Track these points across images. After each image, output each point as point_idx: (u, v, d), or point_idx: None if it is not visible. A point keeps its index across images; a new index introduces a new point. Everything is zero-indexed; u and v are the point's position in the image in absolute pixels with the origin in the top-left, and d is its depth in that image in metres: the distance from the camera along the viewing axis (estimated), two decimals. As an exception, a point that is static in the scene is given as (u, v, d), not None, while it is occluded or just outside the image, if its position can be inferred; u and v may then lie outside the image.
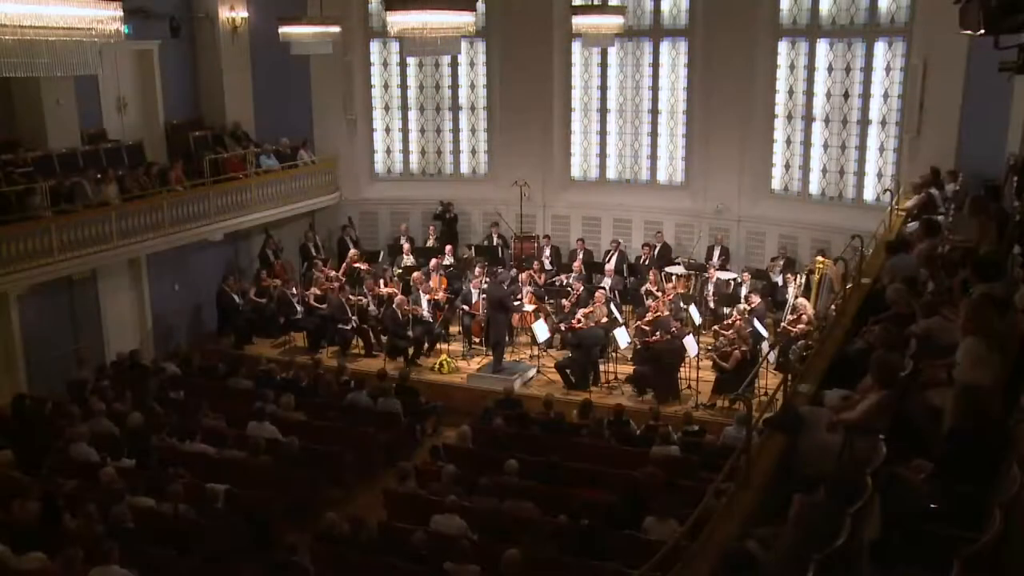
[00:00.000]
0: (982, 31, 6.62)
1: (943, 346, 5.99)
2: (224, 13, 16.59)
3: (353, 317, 14.87)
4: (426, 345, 14.67)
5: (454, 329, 15.37)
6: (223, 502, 9.16)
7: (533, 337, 14.03)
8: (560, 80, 18.14)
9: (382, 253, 17.70)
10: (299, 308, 15.28)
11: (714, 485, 6.17)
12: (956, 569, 3.51)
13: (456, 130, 19.10)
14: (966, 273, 6.69)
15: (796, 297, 14.07)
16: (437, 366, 14.24)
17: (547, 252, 17.29)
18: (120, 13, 5.71)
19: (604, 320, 13.57)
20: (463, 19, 9.91)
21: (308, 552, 8.36)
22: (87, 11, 5.47)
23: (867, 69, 15.61)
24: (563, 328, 14.18)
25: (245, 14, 16.90)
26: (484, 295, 14.40)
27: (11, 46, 5.29)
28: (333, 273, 15.99)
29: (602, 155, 18.53)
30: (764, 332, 13.20)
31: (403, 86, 18.87)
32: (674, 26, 17.45)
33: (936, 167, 13.01)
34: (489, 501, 8.81)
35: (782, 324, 13.36)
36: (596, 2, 15.56)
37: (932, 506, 4.72)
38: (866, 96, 15.73)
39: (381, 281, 15.92)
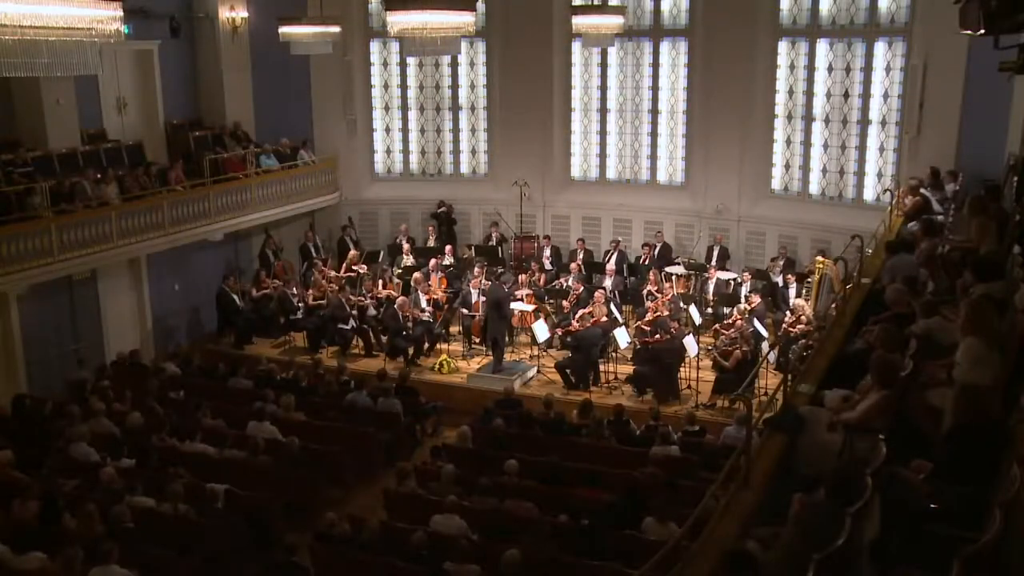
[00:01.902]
0: (982, 31, 6.62)
1: (943, 346, 5.99)
2: (224, 13, 16.59)
3: (353, 312, 14.87)
4: (426, 345, 14.67)
5: (454, 329, 15.37)
6: (223, 502, 9.16)
7: (533, 337, 14.03)
8: (560, 80, 18.15)
9: (382, 253, 17.70)
10: (299, 308, 15.29)
11: (714, 485, 6.16)
12: (956, 569, 3.51)
13: (456, 130, 19.10)
14: (967, 273, 6.68)
15: (795, 298, 14.08)
16: (437, 366, 14.24)
17: (547, 252, 17.29)
18: (120, 13, 5.71)
19: (604, 320, 13.57)
20: (463, 19, 9.91)
21: (308, 552, 8.37)
22: (87, 11, 5.48)
23: (867, 69, 15.61)
24: (560, 332, 14.18)
25: (245, 14, 16.90)
26: (484, 295, 14.40)
27: (11, 46, 5.29)
28: (333, 273, 15.99)
29: (602, 155, 18.53)
30: (764, 332, 13.20)
31: (403, 86, 18.88)
32: (674, 26, 17.46)
33: (936, 167, 13.02)
34: (489, 501, 8.81)
35: (783, 324, 13.36)
36: (596, 2, 15.57)
37: (932, 506, 4.72)
38: (866, 96, 15.73)
39: (380, 282, 15.91)
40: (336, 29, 14.69)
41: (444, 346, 14.81)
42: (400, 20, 9.70)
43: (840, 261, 11.01)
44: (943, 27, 12.01)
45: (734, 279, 15.43)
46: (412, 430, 12.22)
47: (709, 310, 15.29)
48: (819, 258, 13.51)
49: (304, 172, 17.37)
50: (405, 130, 19.18)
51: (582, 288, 15.21)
